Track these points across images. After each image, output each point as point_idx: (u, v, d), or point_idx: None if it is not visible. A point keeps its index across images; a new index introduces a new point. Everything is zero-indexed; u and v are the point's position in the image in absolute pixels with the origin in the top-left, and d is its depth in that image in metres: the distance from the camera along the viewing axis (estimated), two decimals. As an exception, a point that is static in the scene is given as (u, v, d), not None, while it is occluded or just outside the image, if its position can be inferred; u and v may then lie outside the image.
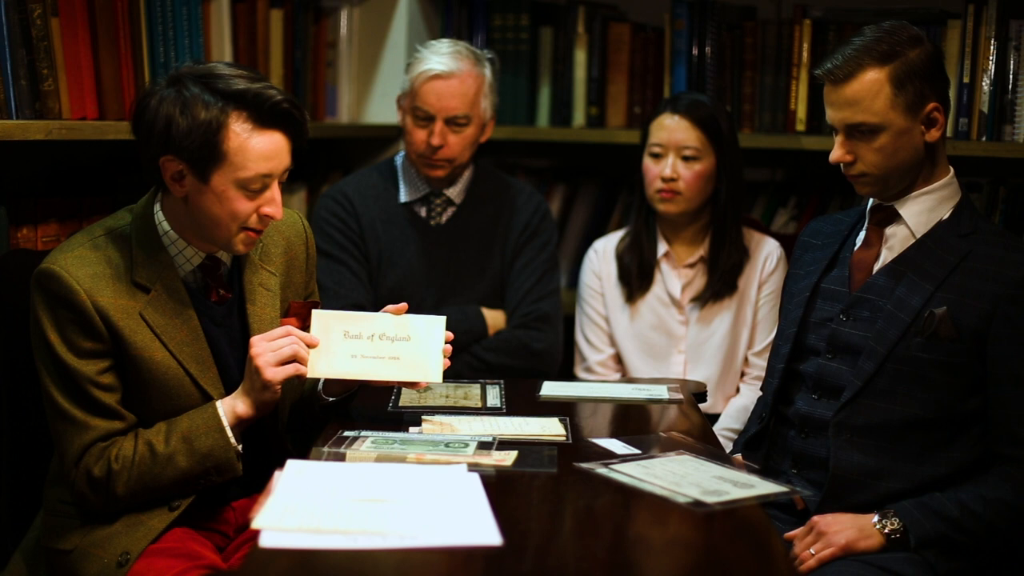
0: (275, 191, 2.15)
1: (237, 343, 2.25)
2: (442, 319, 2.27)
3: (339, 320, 2.24)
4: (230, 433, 2.12)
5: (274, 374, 2.12)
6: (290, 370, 2.14)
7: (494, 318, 3.02)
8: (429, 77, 2.93)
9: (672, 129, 2.94)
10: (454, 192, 3.06)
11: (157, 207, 2.19)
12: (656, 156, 2.96)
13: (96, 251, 2.13)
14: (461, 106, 2.94)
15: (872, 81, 2.21)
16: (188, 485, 2.14)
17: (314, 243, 2.45)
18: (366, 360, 2.23)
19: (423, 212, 3.06)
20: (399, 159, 3.11)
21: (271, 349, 2.13)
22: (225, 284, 2.25)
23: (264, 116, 2.09)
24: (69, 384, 2.10)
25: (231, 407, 2.14)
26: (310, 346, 2.18)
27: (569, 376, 3.15)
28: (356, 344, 2.23)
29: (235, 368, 2.23)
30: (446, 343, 2.26)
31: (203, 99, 2.06)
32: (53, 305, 2.09)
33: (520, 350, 2.98)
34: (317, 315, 2.22)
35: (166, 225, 2.18)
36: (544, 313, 3.02)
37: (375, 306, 2.99)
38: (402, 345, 2.24)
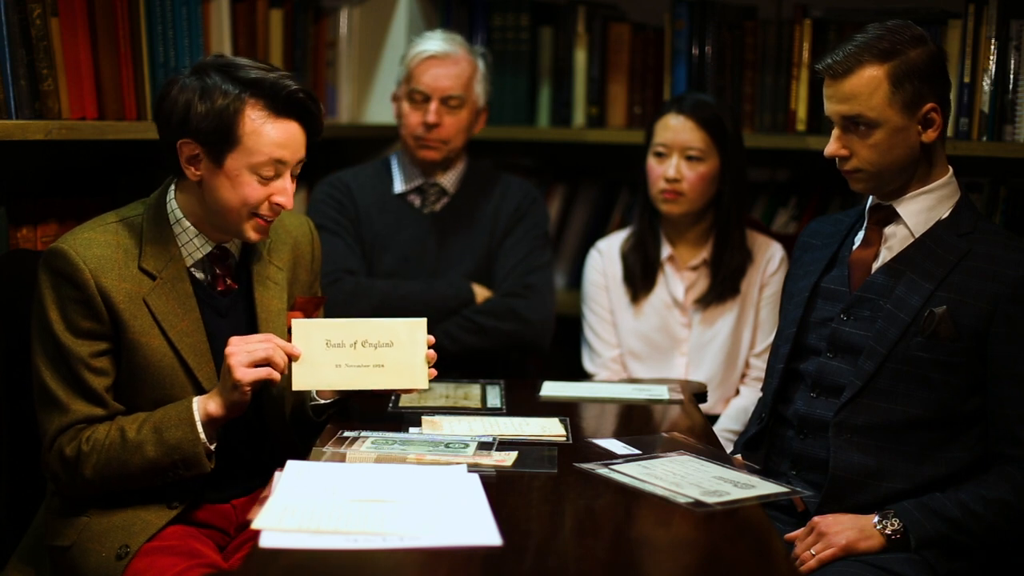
0: (287, 180, 2.20)
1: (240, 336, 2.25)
2: (423, 321, 2.26)
3: (320, 328, 2.22)
4: (200, 428, 2.13)
5: (243, 374, 2.11)
6: (262, 373, 2.12)
7: (484, 294, 3.03)
8: (425, 58, 3.03)
9: (677, 129, 2.93)
10: (448, 181, 3.10)
11: (171, 195, 2.23)
12: (660, 156, 2.95)
13: (106, 235, 2.18)
14: (456, 86, 3.02)
15: (870, 78, 2.21)
16: (156, 476, 2.14)
17: (320, 246, 2.48)
18: (351, 369, 2.22)
19: (417, 201, 3.11)
20: (394, 156, 3.17)
21: (246, 350, 2.13)
22: (233, 275, 2.28)
23: (280, 104, 2.15)
24: (59, 363, 2.12)
25: (204, 404, 2.15)
26: (292, 357, 2.18)
27: (570, 376, 3.14)
28: (339, 353, 2.22)
29: None
30: (428, 347, 2.26)
31: (222, 87, 2.13)
32: (57, 283, 2.12)
33: (508, 313, 2.98)
34: (297, 324, 2.21)
35: (179, 213, 2.22)
36: (532, 283, 3.03)
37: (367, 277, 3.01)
38: (386, 352, 2.24)
